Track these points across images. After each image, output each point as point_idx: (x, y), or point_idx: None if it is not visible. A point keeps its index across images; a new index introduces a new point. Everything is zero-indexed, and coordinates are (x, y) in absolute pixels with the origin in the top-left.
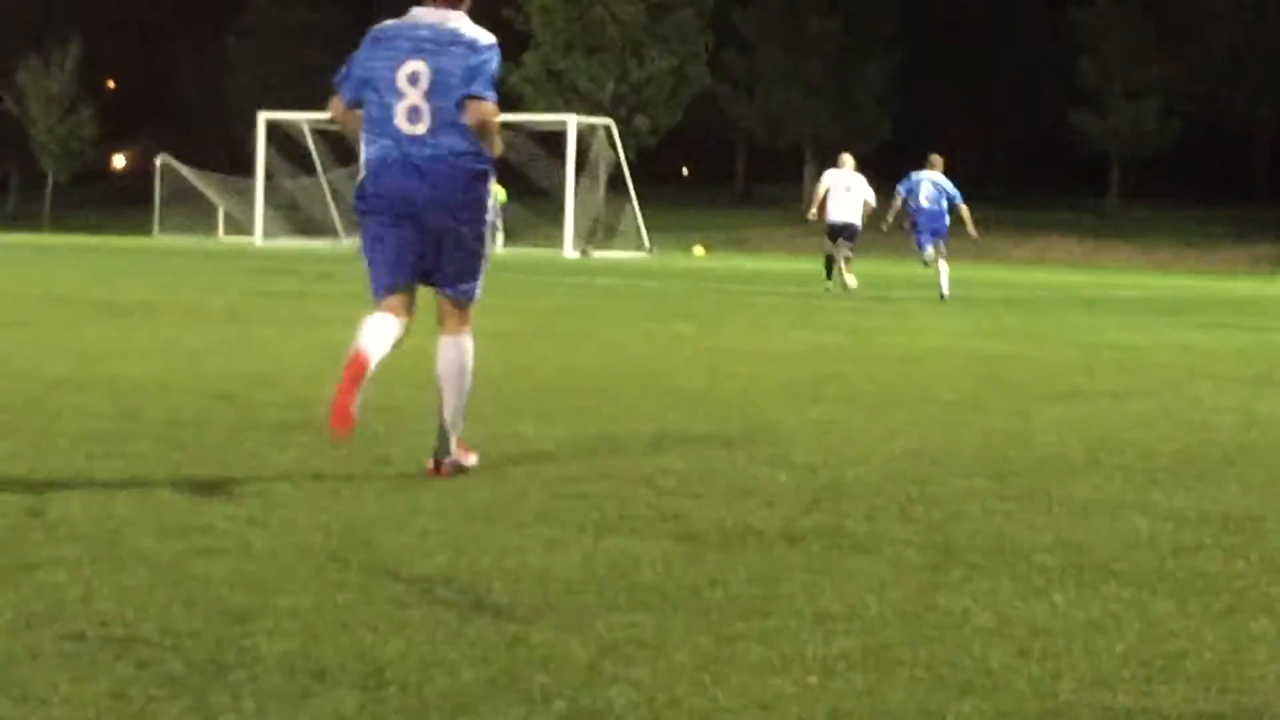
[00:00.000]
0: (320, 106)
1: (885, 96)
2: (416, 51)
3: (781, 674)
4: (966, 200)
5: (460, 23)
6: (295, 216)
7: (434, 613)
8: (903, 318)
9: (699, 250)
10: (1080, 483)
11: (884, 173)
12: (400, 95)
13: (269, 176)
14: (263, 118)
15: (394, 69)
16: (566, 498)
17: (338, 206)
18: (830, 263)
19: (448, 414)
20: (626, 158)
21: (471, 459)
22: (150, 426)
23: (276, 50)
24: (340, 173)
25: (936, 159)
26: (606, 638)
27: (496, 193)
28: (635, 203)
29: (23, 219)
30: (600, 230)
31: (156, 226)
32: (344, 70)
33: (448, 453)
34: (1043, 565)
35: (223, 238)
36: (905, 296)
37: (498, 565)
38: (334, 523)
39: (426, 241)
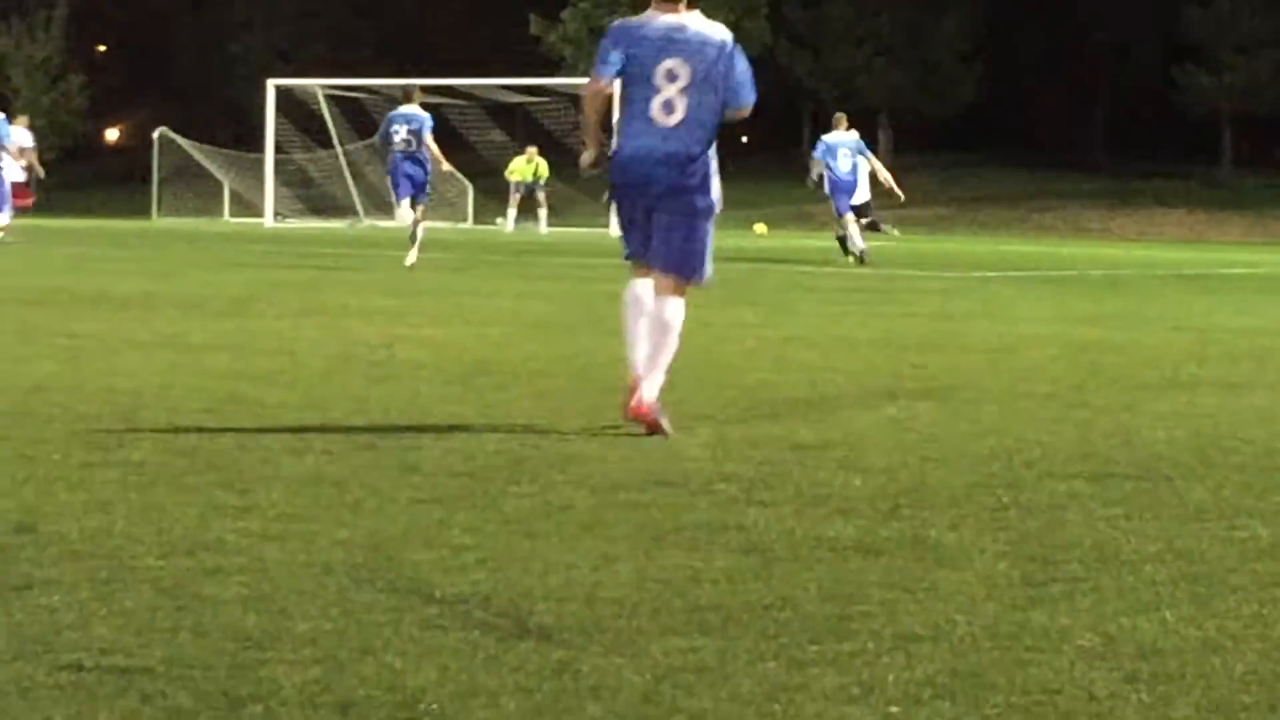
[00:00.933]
0: (337, 70)
1: (967, 54)
2: (672, 50)
3: (859, 703)
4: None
5: (703, 24)
6: (309, 194)
7: (470, 637)
8: (991, 302)
9: (760, 228)
10: (1192, 485)
11: (969, 140)
12: (656, 89)
13: (279, 150)
14: (272, 84)
15: (653, 64)
16: (617, 507)
17: (356, 183)
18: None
19: (658, 366)
20: None
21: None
22: (151, 431)
23: (285, 9)
24: (358, 145)
25: (842, 117)
26: (663, 663)
27: (528, 169)
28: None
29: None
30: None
31: (155, 207)
32: (601, 56)
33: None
34: (1151, 578)
35: (229, 219)
36: (995, 277)
37: (541, 583)
38: (357, 537)
39: (655, 214)
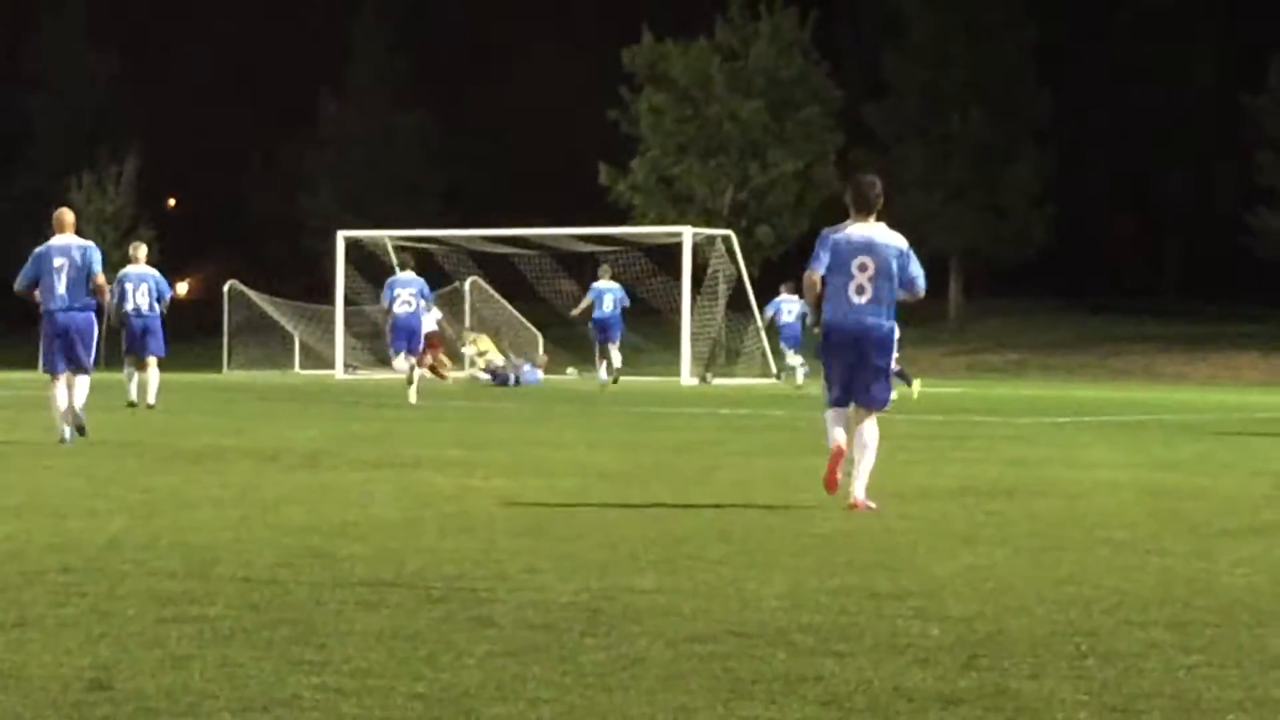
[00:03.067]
0: (406, 221)
1: (1038, 198)
2: (866, 251)
3: None
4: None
5: (886, 234)
6: (380, 346)
7: None
8: (1066, 447)
9: None
10: (1273, 632)
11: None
12: (852, 277)
13: (350, 302)
14: (341, 236)
15: (849, 260)
16: (693, 659)
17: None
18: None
19: (863, 472)
20: (749, 273)
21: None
22: (225, 585)
23: (355, 161)
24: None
25: (786, 287)
26: None
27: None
28: (760, 323)
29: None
30: (721, 354)
31: (226, 360)
32: (816, 254)
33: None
34: None
35: (299, 371)
36: (1069, 423)
37: None
38: (433, 692)
39: (855, 368)
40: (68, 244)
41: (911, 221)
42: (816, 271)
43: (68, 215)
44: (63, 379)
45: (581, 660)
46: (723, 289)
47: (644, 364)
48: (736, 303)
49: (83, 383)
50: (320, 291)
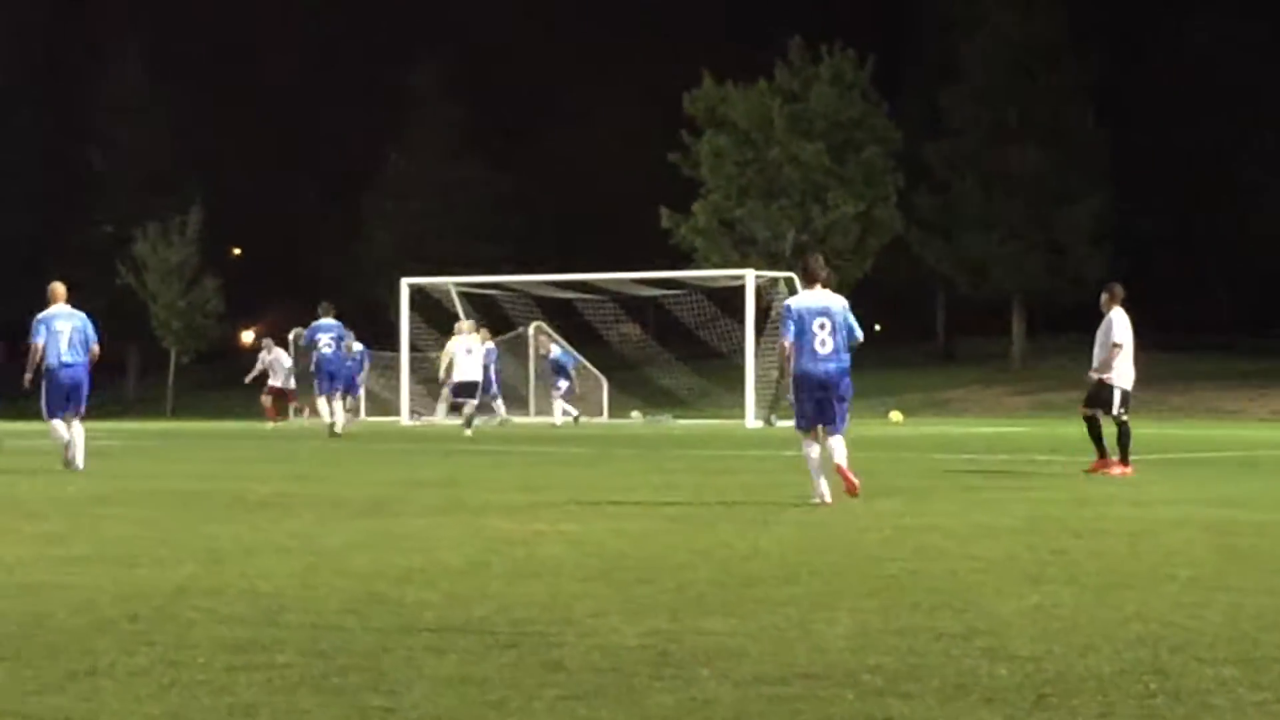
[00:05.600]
0: (468, 269)
1: (1096, 236)
2: (823, 313)
3: None
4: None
5: (829, 297)
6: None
7: None
8: (1130, 485)
9: (896, 416)
10: None
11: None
12: (814, 335)
13: (414, 349)
14: (405, 283)
15: (811, 321)
16: (761, 700)
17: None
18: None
19: (842, 459)
20: None
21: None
22: (293, 633)
23: (417, 209)
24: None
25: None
26: None
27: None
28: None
29: (145, 403)
30: (785, 396)
31: (291, 408)
32: (786, 322)
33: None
34: None
35: (364, 418)
36: (1134, 460)
37: None
38: None
39: (824, 405)
40: (71, 311)
41: (971, 262)
42: (787, 338)
43: (60, 288)
44: (62, 421)
45: (650, 703)
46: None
47: (708, 406)
48: None
49: (80, 427)
50: (384, 338)
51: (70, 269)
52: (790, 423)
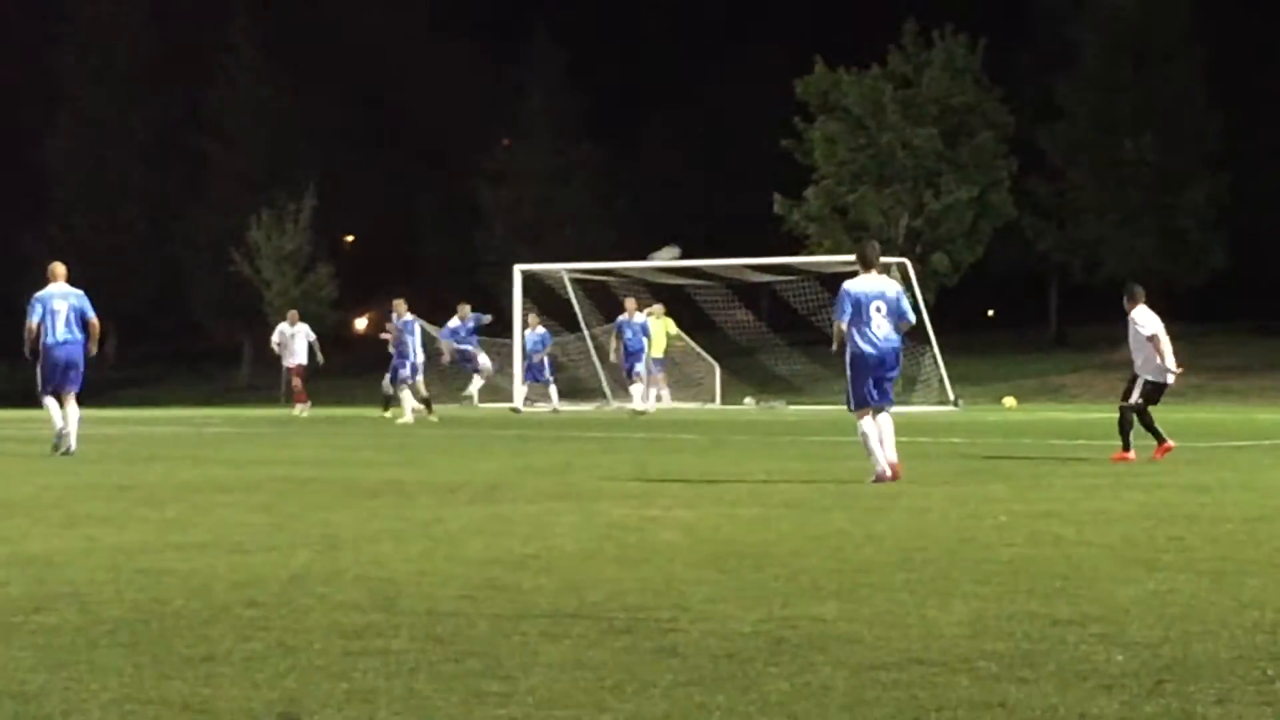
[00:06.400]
0: (581, 254)
1: (1214, 221)
2: (879, 296)
3: None
4: None
5: (884, 281)
6: (558, 378)
7: None
8: (1246, 471)
9: (1009, 401)
10: None
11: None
12: (870, 318)
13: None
14: (518, 270)
15: (868, 303)
16: (876, 686)
17: (604, 366)
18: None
19: (890, 444)
20: (924, 300)
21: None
22: (409, 618)
23: (529, 195)
24: (604, 328)
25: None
26: None
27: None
28: (936, 350)
29: (259, 390)
30: (898, 382)
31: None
32: (843, 305)
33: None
34: None
35: (479, 404)
36: (1249, 446)
37: None
38: None
39: (880, 382)
40: (67, 290)
41: (1086, 247)
42: (842, 322)
43: (60, 268)
44: (55, 400)
45: (766, 689)
46: None
47: (822, 393)
48: (913, 331)
49: (75, 408)
50: (497, 325)
51: (185, 257)
52: (906, 408)
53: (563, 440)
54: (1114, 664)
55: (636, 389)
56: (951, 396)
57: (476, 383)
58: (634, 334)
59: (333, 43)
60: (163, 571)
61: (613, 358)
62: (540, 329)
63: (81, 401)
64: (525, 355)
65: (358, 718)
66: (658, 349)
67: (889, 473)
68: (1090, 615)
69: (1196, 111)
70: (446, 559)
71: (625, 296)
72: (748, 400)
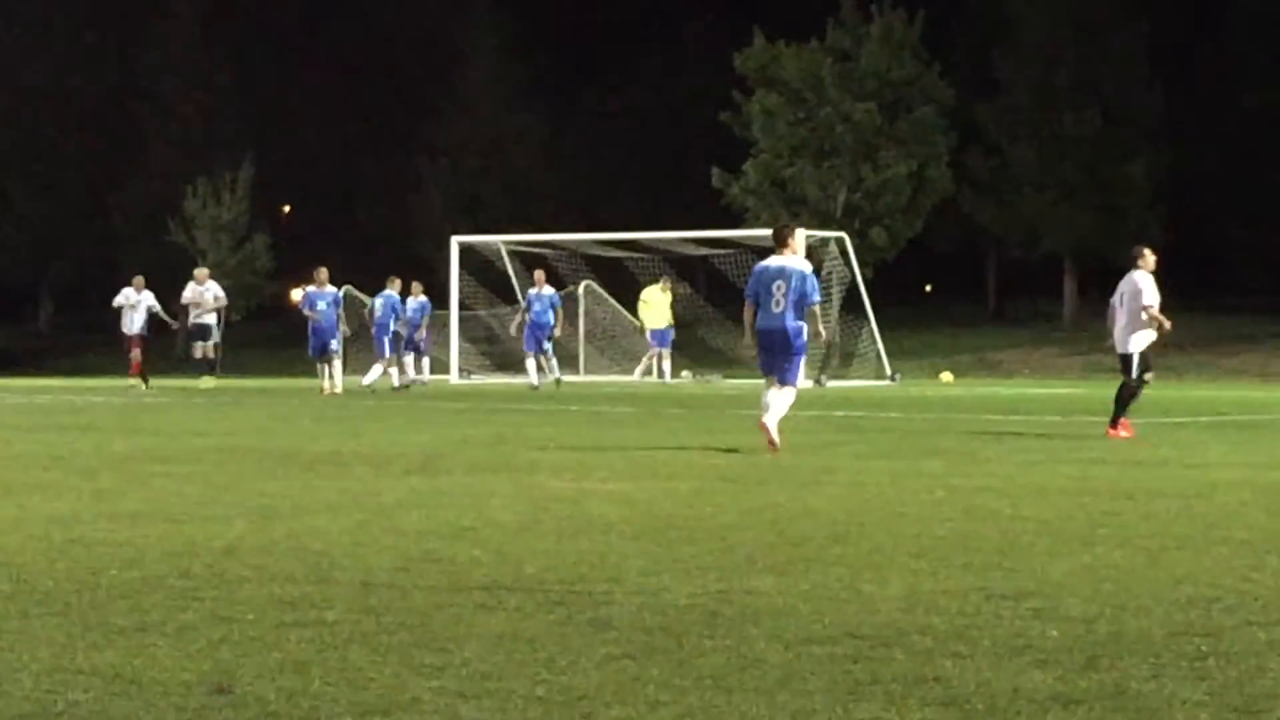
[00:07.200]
0: (520, 226)
1: (1152, 197)
2: (779, 275)
3: None
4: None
5: (793, 261)
6: (494, 351)
7: None
8: (1182, 448)
9: (946, 376)
10: None
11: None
12: (771, 295)
13: (463, 306)
14: (455, 241)
15: (770, 283)
16: (811, 660)
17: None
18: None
19: (778, 414)
20: (862, 274)
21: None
22: (343, 590)
23: (467, 166)
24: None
25: None
26: None
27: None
28: (874, 324)
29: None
30: (835, 357)
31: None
32: (750, 285)
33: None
34: None
35: (414, 376)
36: (1186, 423)
37: None
38: (551, 695)
39: (775, 358)
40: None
41: (1025, 222)
42: (749, 299)
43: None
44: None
45: (700, 662)
46: (836, 291)
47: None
48: (850, 305)
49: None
50: (433, 296)
51: (120, 226)
52: (843, 383)
53: (499, 412)
54: (1048, 639)
55: (531, 364)
56: (889, 371)
57: (376, 370)
58: (543, 307)
59: (271, 11)
60: (96, 541)
61: (513, 330)
62: (422, 297)
63: (15, 370)
64: (407, 325)
65: (291, 689)
66: (662, 321)
67: (773, 433)
68: (1025, 590)
69: (1137, 86)
70: (382, 530)
71: (536, 269)
72: (685, 374)
